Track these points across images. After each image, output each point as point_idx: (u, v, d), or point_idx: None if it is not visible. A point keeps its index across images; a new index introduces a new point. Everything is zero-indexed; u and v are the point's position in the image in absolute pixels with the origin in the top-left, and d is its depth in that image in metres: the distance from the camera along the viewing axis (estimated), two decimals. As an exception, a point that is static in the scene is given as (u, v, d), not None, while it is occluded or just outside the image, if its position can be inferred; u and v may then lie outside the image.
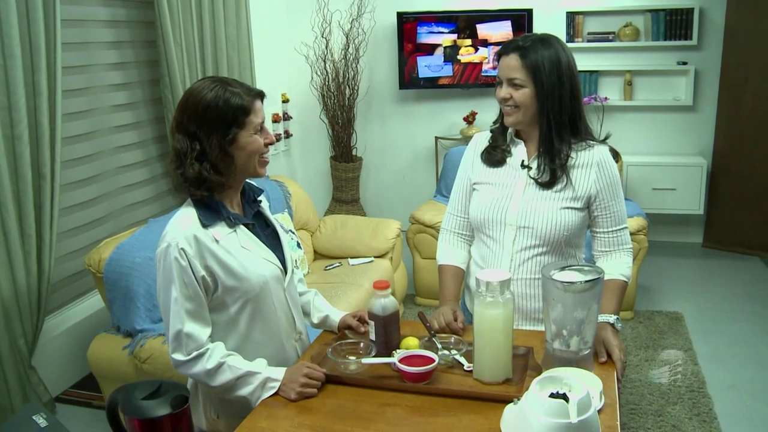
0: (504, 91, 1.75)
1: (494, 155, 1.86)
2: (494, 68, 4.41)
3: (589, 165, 1.78)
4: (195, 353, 1.56)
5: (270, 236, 1.74)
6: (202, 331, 1.57)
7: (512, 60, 1.73)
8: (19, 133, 2.53)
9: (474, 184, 1.90)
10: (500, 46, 1.79)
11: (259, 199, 1.76)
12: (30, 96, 2.58)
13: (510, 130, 1.86)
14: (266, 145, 1.62)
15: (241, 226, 1.64)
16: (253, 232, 1.67)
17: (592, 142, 1.80)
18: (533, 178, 1.79)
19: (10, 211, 2.54)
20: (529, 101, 1.73)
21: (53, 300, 3.03)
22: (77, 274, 3.22)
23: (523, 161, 1.82)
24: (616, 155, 4.15)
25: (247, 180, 1.73)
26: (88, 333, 3.02)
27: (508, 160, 1.85)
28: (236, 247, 1.60)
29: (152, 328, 2.60)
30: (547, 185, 1.77)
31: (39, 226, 2.68)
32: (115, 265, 2.64)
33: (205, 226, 1.57)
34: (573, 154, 1.77)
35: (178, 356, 1.56)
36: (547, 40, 1.74)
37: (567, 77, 1.72)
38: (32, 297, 2.68)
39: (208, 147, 1.55)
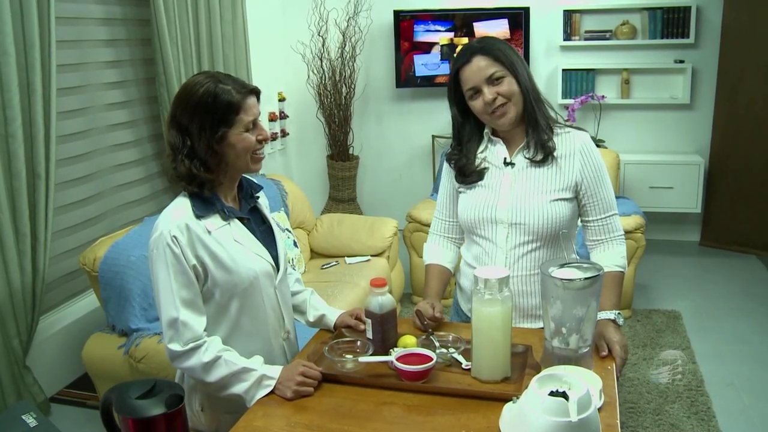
0: (488, 92, 1.72)
1: (471, 178, 1.84)
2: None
3: (572, 154, 1.78)
4: (192, 344, 1.54)
5: (265, 233, 1.73)
6: (197, 321, 1.56)
7: (480, 61, 1.72)
8: (13, 131, 2.51)
9: (459, 187, 1.89)
10: (453, 62, 1.79)
11: (256, 195, 1.75)
12: (24, 94, 2.56)
13: (487, 129, 1.84)
14: (259, 141, 1.61)
15: (236, 220, 1.64)
16: (247, 227, 1.67)
17: (569, 129, 1.81)
18: (528, 158, 1.78)
19: (5, 210, 2.52)
20: (516, 88, 1.73)
21: (48, 299, 3.01)
22: (72, 273, 3.20)
23: (505, 159, 1.81)
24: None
25: (247, 176, 1.72)
26: (83, 332, 3.00)
27: (487, 165, 1.83)
28: (228, 240, 1.60)
29: (147, 328, 2.58)
30: (541, 162, 1.77)
31: (33, 225, 2.66)
32: (110, 264, 2.63)
33: (198, 217, 1.56)
34: (551, 143, 1.77)
35: (175, 346, 1.54)
36: (489, 37, 1.82)
37: (523, 60, 1.78)
38: (27, 296, 2.67)
39: (197, 144, 1.55)
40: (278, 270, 1.71)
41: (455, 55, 1.80)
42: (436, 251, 1.98)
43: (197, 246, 1.55)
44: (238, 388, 1.55)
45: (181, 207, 1.58)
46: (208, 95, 1.53)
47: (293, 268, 1.94)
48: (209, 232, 1.57)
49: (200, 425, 1.71)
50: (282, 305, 1.74)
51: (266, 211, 1.79)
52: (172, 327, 1.54)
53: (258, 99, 1.63)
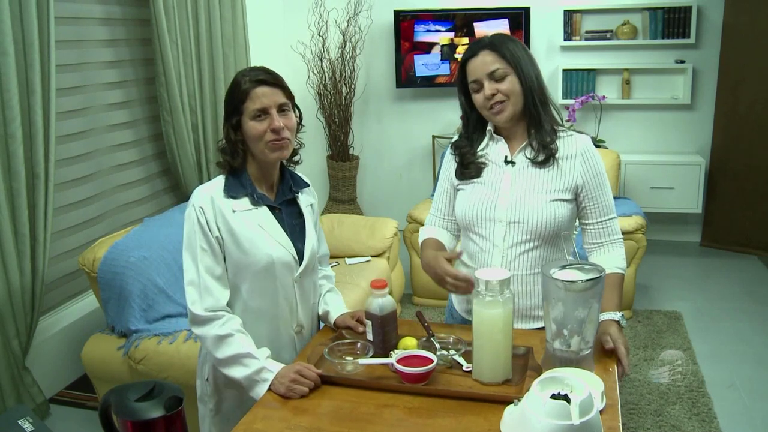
0: (488, 88, 1.72)
1: (469, 170, 1.83)
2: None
3: (573, 156, 1.77)
4: (212, 313, 1.62)
5: (297, 226, 1.77)
6: (220, 292, 1.65)
7: (485, 56, 1.73)
8: (12, 131, 2.51)
9: (458, 184, 1.88)
10: (462, 55, 1.79)
11: (295, 190, 1.78)
12: (23, 94, 2.56)
13: (489, 126, 1.84)
14: (272, 130, 1.64)
15: (264, 207, 1.70)
16: (277, 217, 1.71)
17: (571, 131, 1.81)
18: (529, 159, 1.77)
19: (4, 211, 2.52)
20: (517, 88, 1.72)
21: (47, 300, 3.01)
22: (71, 273, 3.19)
23: (506, 157, 1.80)
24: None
25: (294, 172, 1.81)
26: (82, 333, 2.99)
27: (487, 162, 1.83)
28: (252, 223, 1.67)
29: (147, 329, 2.57)
30: (542, 163, 1.76)
31: (33, 226, 2.66)
32: (110, 265, 2.62)
33: (229, 196, 1.66)
34: (554, 145, 1.76)
35: (195, 309, 1.62)
36: (502, 34, 1.80)
37: (534, 61, 1.78)
38: (26, 297, 2.66)
39: (225, 131, 1.68)
40: (300, 264, 1.74)
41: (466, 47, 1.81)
42: (432, 231, 1.95)
43: (219, 221, 1.64)
44: (238, 371, 1.60)
45: (213, 184, 1.69)
46: (231, 85, 1.66)
47: (325, 267, 1.98)
48: (234, 212, 1.65)
49: (206, 395, 1.78)
50: (299, 298, 1.77)
51: (306, 208, 1.81)
52: (194, 290, 1.63)
53: (281, 88, 1.66)
